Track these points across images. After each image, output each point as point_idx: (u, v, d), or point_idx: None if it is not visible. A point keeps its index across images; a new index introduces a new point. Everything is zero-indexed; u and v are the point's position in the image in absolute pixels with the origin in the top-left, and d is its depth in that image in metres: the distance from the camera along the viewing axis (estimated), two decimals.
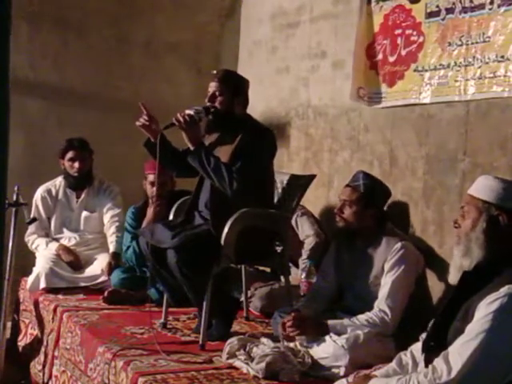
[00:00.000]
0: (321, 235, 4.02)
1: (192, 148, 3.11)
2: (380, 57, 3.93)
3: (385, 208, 3.21)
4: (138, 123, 3.25)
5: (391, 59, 3.86)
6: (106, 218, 4.38)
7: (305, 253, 3.98)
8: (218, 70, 3.40)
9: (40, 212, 4.37)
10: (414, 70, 3.69)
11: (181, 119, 3.09)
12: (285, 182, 3.59)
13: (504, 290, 1.89)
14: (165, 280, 3.23)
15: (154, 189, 4.07)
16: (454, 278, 2.09)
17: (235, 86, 3.22)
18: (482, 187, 2.10)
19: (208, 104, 3.18)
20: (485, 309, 1.88)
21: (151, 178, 4.10)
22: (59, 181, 4.45)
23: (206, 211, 3.22)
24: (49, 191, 4.43)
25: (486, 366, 1.86)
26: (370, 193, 3.05)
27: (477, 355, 1.85)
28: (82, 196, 4.43)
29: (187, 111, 3.12)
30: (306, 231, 4.06)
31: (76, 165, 4.33)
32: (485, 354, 1.85)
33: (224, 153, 3.16)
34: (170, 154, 3.28)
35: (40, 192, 4.42)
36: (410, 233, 3.63)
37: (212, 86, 3.20)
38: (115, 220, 4.33)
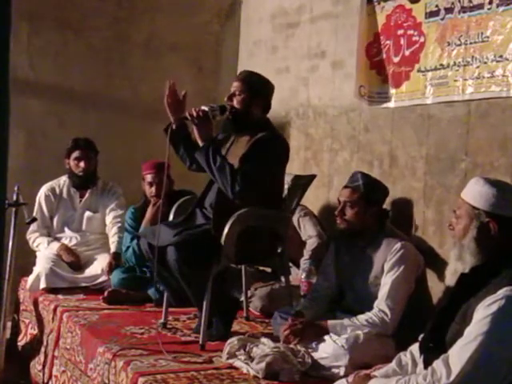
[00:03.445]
0: (323, 236, 4.02)
1: (201, 144, 3.11)
2: (383, 57, 3.93)
3: (384, 206, 3.21)
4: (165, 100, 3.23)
5: (395, 60, 3.85)
6: (109, 218, 4.38)
7: (307, 253, 3.98)
8: (244, 70, 3.42)
9: (43, 210, 4.38)
10: (418, 71, 3.70)
11: (194, 114, 3.09)
12: (289, 182, 3.58)
13: (502, 292, 1.89)
14: (165, 280, 3.23)
15: (153, 189, 4.08)
16: (449, 280, 2.10)
17: (255, 88, 3.20)
18: (473, 192, 2.09)
19: (226, 103, 3.19)
20: (483, 311, 1.88)
21: (149, 178, 4.11)
22: (63, 180, 4.46)
23: (210, 210, 3.21)
24: (53, 190, 4.44)
25: (485, 368, 1.86)
26: (371, 192, 3.05)
27: (476, 358, 1.85)
28: (86, 196, 4.43)
29: (202, 107, 3.13)
30: (308, 232, 4.06)
31: (81, 164, 4.34)
32: (484, 356, 1.85)
33: (236, 154, 3.15)
34: (187, 144, 3.27)
35: (44, 190, 4.43)
36: (410, 233, 3.63)
37: (233, 86, 3.22)
38: (117, 221, 4.33)
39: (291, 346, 2.77)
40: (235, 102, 3.19)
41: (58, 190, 4.44)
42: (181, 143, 3.27)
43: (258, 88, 3.22)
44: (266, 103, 3.27)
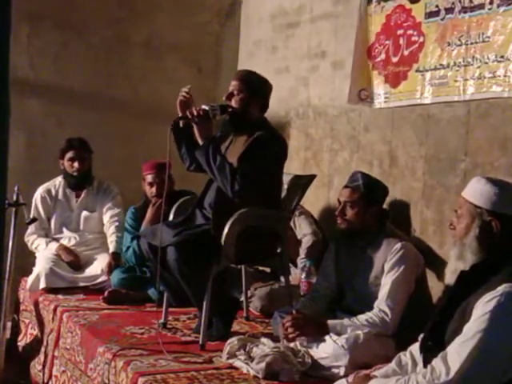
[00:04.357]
0: (318, 234, 4.03)
1: (201, 143, 3.11)
2: (383, 57, 3.93)
3: (384, 206, 3.21)
4: (179, 98, 3.20)
5: (394, 60, 3.85)
6: (106, 217, 4.38)
7: (302, 252, 3.98)
8: (242, 69, 3.40)
9: (40, 212, 4.37)
10: (416, 71, 3.69)
11: (194, 113, 3.09)
12: (288, 182, 3.59)
13: (501, 288, 1.89)
14: (165, 280, 3.23)
15: (154, 189, 4.08)
16: (449, 279, 2.10)
17: (254, 87, 3.19)
18: (475, 191, 2.08)
19: (226, 102, 3.18)
20: (482, 308, 1.88)
21: (149, 178, 4.11)
22: (59, 181, 4.46)
23: (209, 210, 3.21)
24: (48, 191, 4.43)
25: (484, 365, 1.86)
26: (371, 191, 3.06)
27: (475, 354, 1.85)
28: (82, 196, 4.43)
29: (203, 106, 3.12)
30: (303, 230, 4.06)
31: (76, 164, 4.33)
32: (483, 353, 1.85)
33: (234, 154, 3.15)
34: (189, 143, 3.26)
35: (40, 192, 4.42)
36: (410, 233, 3.63)
37: (232, 85, 3.21)
38: (115, 220, 4.33)
39: (291, 345, 2.77)
40: (233, 102, 3.18)
41: (53, 191, 4.44)
42: (183, 141, 3.28)
43: (256, 87, 3.22)
44: (264, 102, 3.27)
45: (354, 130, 4.17)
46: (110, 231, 4.31)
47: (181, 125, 3.21)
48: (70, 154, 4.34)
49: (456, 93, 3.43)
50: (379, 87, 3.95)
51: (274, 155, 3.19)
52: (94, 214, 4.43)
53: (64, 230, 4.41)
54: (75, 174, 4.35)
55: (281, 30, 4.92)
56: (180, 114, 3.21)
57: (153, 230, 3.27)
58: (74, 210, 4.43)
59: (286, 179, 3.60)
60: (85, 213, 4.42)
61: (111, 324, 3.41)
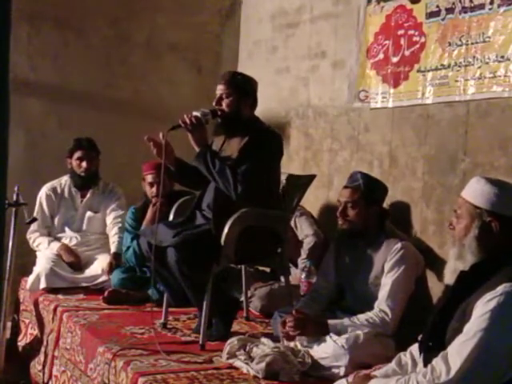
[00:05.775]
0: (320, 235, 4.03)
1: (197, 150, 3.11)
2: (381, 57, 3.93)
3: (384, 205, 3.21)
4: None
5: (394, 60, 3.86)
6: (109, 219, 4.39)
7: (304, 252, 3.99)
8: (225, 71, 3.39)
9: (44, 210, 4.38)
10: (418, 71, 3.70)
11: (187, 121, 3.08)
12: (283, 181, 3.58)
13: (501, 288, 1.89)
14: (165, 280, 3.23)
15: (154, 189, 4.08)
16: (448, 279, 2.10)
17: (242, 88, 3.19)
18: (474, 191, 2.08)
19: (216, 107, 3.18)
20: (482, 308, 1.88)
21: (150, 178, 4.11)
22: (65, 179, 4.46)
23: (208, 211, 3.22)
24: (54, 189, 4.44)
25: (485, 364, 1.86)
26: (371, 191, 3.06)
27: (475, 354, 1.85)
28: (87, 196, 4.44)
29: (194, 113, 3.12)
30: (305, 231, 4.07)
31: (83, 164, 4.34)
32: (483, 352, 1.85)
33: (229, 155, 3.16)
34: (189, 173, 3.29)
35: (45, 190, 4.43)
36: (410, 233, 3.63)
37: (219, 89, 3.19)
38: (118, 221, 4.34)
39: (291, 345, 2.77)
40: (224, 106, 3.17)
41: (59, 190, 4.44)
42: (186, 177, 3.32)
43: (244, 88, 3.21)
44: (253, 100, 3.26)
45: (353, 130, 4.17)
46: (113, 232, 4.32)
47: (172, 168, 3.24)
48: (78, 154, 4.35)
49: (457, 93, 3.44)
50: (378, 87, 3.95)
51: (270, 153, 3.20)
52: (98, 215, 4.43)
53: (66, 229, 4.41)
54: (83, 173, 4.36)
55: (281, 29, 4.92)
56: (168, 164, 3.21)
57: (153, 229, 3.27)
58: (78, 210, 4.44)
59: (284, 179, 3.60)
60: (89, 213, 4.43)
61: (111, 324, 3.41)
